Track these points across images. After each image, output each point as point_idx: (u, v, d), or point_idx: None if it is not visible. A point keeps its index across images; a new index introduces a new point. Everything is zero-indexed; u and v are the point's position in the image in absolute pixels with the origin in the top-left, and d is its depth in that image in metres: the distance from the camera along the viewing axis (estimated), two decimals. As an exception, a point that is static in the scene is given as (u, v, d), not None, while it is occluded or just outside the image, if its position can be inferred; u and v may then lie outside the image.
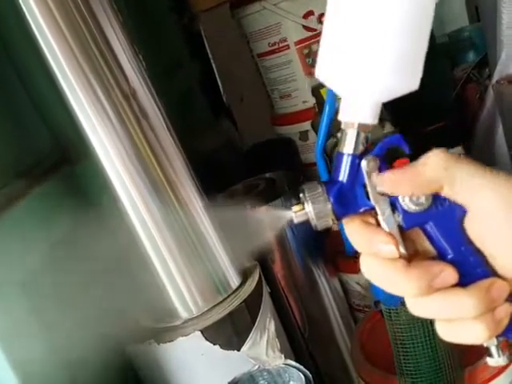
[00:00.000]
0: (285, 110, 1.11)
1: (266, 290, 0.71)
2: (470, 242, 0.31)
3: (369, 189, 0.31)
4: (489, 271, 0.31)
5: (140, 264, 0.64)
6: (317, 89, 0.85)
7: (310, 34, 1.03)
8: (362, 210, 0.32)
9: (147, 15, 1.02)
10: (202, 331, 0.63)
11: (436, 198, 0.31)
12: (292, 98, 1.07)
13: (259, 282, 0.70)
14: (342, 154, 0.32)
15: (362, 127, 0.31)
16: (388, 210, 0.31)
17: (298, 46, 1.02)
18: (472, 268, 0.31)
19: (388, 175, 0.31)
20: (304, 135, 1.08)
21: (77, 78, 0.58)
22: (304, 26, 1.02)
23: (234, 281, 0.68)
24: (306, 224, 0.32)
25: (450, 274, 0.30)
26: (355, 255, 0.33)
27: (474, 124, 1.18)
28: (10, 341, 0.50)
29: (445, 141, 0.67)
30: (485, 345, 0.32)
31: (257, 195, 0.84)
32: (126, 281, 0.65)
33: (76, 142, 0.61)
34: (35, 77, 0.60)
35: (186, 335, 0.62)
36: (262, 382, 0.67)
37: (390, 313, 0.68)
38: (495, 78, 1.10)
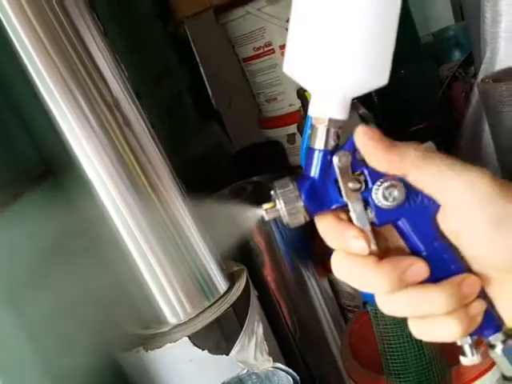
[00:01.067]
0: (272, 114, 1.12)
1: (253, 293, 0.72)
2: (443, 238, 0.31)
3: (341, 185, 0.31)
4: (463, 267, 0.30)
5: (126, 271, 0.65)
6: (302, 91, 0.86)
7: (295, 37, 1.03)
8: (334, 207, 0.31)
9: (133, 24, 1.03)
10: (189, 337, 0.63)
11: (409, 195, 0.30)
12: (278, 102, 1.08)
13: (247, 286, 0.71)
14: (313, 150, 0.31)
15: (332, 123, 0.31)
16: (360, 207, 0.31)
17: (282, 50, 1.02)
18: (446, 265, 0.30)
19: (365, 134, 0.30)
20: (291, 138, 1.08)
21: (59, 89, 0.58)
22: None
23: (222, 285, 0.69)
24: (282, 222, 0.32)
25: (420, 267, 0.30)
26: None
27: (461, 122, 1.18)
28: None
29: (431, 140, 0.67)
30: (458, 343, 0.32)
31: (244, 199, 0.85)
32: (112, 288, 0.66)
33: (60, 153, 0.61)
34: (19, 90, 0.60)
35: (174, 341, 0.63)
36: (251, 385, 0.68)
37: (376, 313, 0.69)
38: (480, 76, 1.10)
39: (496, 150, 1.07)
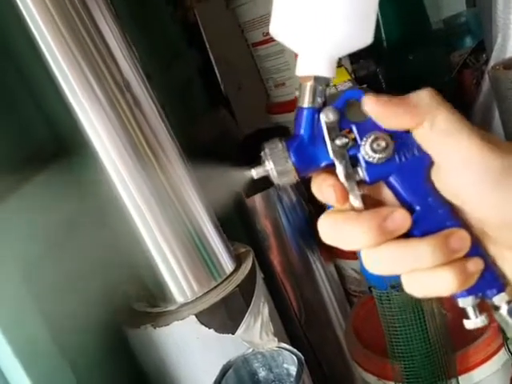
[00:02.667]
0: (280, 99, 1.12)
1: (259, 275, 0.73)
2: (437, 193, 0.30)
3: (327, 141, 0.31)
4: (459, 224, 0.30)
5: (135, 250, 0.66)
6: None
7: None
8: (322, 165, 0.31)
9: (143, 9, 1.03)
10: (196, 315, 0.64)
11: (399, 149, 0.30)
12: (286, 87, 1.08)
13: (253, 268, 0.71)
14: (301, 109, 0.31)
15: (318, 80, 0.31)
16: (346, 163, 0.30)
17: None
18: (441, 221, 0.30)
19: (373, 98, 0.30)
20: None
21: (71, 69, 0.59)
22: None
23: (228, 266, 0.70)
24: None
25: (400, 215, 0.29)
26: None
27: (471, 109, 1.18)
28: (12, 326, 0.51)
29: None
30: (460, 305, 0.31)
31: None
32: (122, 265, 0.67)
33: (72, 132, 0.62)
34: (32, 69, 0.61)
35: (181, 319, 0.64)
36: (256, 364, 0.69)
37: (381, 297, 0.69)
38: (491, 63, 1.09)
39: (506, 137, 1.06)
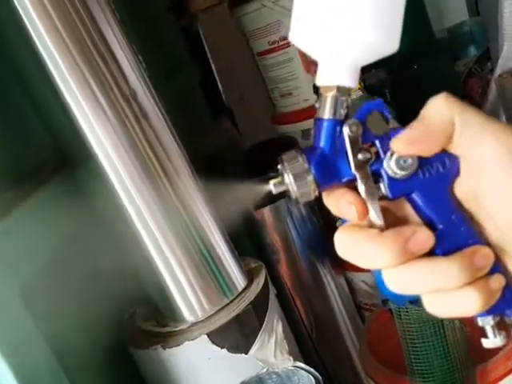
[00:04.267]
0: (286, 109, 1.10)
1: (272, 290, 0.70)
2: (460, 210, 0.29)
3: (349, 155, 0.29)
4: (480, 242, 0.29)
5: (143, 268, 0.63)
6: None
7: (310, 31, 1.01)
8: (344, 180, 0.30)
9: (145, 17, 1.01)
10: (208, 335, 0.62)
11: (423, 164, 0.29)
12: (293, 97, 1.06)
13: (265, 283, 0.69)
14: (321, 120, 0.30)
15: (341, 90, 0.29)
16: (369, 179, 0.29)
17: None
18: (463, 239, 0.29)
19: (402, 136, 0.29)
20: (306, 134, 1.07)
21: (75, 80, 0.57)
22: (304, 24, 1.00)
23: (240, 282, 0.67)
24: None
25: (424, 235, 0.28)
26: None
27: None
28: (12, 351, 0.48)
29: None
30: (480, 324, 0.30)
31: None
32: (128, 284, 0.65)
33: (76, 145, 0.60)
34: (35, 80, 0.59)
35: (192, 339, 0.61)
36: (270, 384, 0.66)
37: (399, 312, 0.67)
38: (497, 71, 1.09)
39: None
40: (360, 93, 0.82)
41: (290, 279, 0.87)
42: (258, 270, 0.71)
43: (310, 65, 1.02)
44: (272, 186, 0.30)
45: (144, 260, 0.62)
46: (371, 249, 0.28)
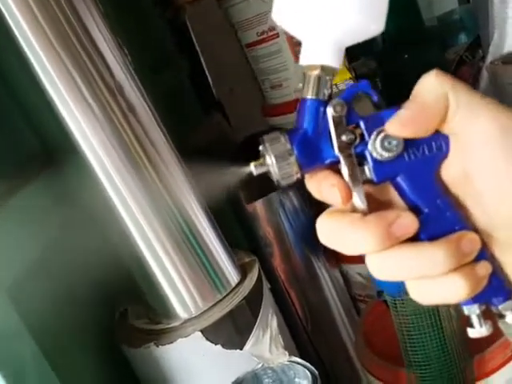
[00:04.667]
0: (276, 101, 1.08)
1: (266, 285, 0.70)
2: (446, 194, 0.28)
3: (333, 136, 0.28)
4: (467, 227, 0.28)
5: (134, 265, 0.62)
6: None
7: (299, 21, 1.00)
8: (327, 162, 0.29)
9: (131, 11, 0.99)
10: (202, 331, 0.61)
11: (408, 146, 0.28)
12: (283, 88, 1.05)
13: (259, 278, 0.68)
14: (305, 101, 0.29)
15: (325, 70, 0.29)
16: (353, 161, 0.28)
17: (287, 35, 0.99)
18: (449, 224, 0.28)
19: (395, 117, 0.28)
20: (297, 125, 1.05)
21: (59, 74, 0.55)
22: (292, 14, 0.99)
23: (234, 277, 0.66)
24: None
25: (408, 219, 0.27)
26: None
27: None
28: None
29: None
30: (466, 312, 0.30)
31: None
32: (119, 281, 0.63)
33: (63, 141, 0.59)
34: (18, 76, 0.57)
35: (185, 336, 0.60)
36: (266, 380, 0.65)
37: (395, 304, 0.66)
38: (489, 59, 1.08)
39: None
40: (351, 82, 0.80)
41: (283, 272, 0.86)
42: (251, 264, 0.70)
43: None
44: (253, 168, 0.29)
45: (135, 256, 0.61)
46: (353, 233, 0.27)
